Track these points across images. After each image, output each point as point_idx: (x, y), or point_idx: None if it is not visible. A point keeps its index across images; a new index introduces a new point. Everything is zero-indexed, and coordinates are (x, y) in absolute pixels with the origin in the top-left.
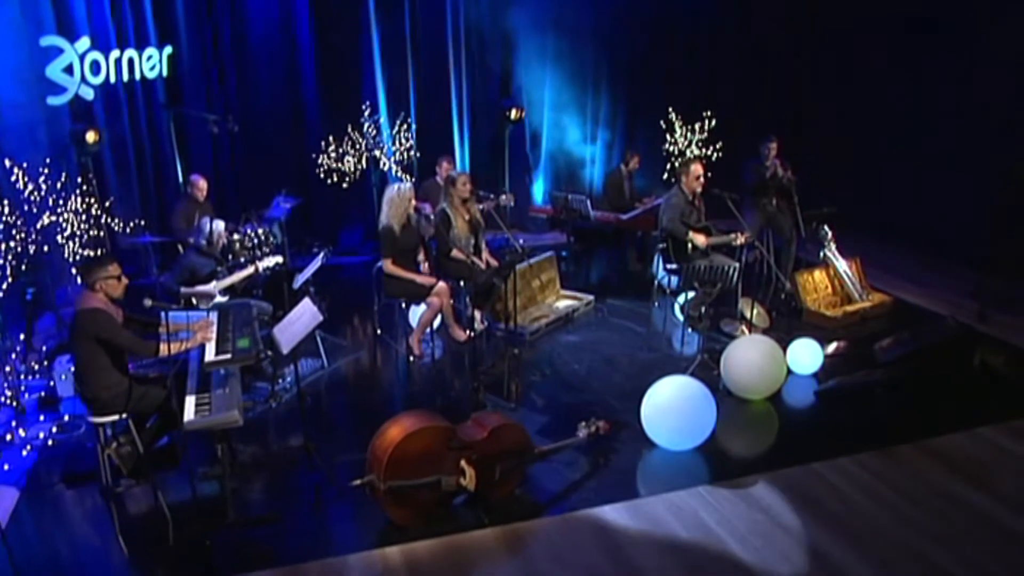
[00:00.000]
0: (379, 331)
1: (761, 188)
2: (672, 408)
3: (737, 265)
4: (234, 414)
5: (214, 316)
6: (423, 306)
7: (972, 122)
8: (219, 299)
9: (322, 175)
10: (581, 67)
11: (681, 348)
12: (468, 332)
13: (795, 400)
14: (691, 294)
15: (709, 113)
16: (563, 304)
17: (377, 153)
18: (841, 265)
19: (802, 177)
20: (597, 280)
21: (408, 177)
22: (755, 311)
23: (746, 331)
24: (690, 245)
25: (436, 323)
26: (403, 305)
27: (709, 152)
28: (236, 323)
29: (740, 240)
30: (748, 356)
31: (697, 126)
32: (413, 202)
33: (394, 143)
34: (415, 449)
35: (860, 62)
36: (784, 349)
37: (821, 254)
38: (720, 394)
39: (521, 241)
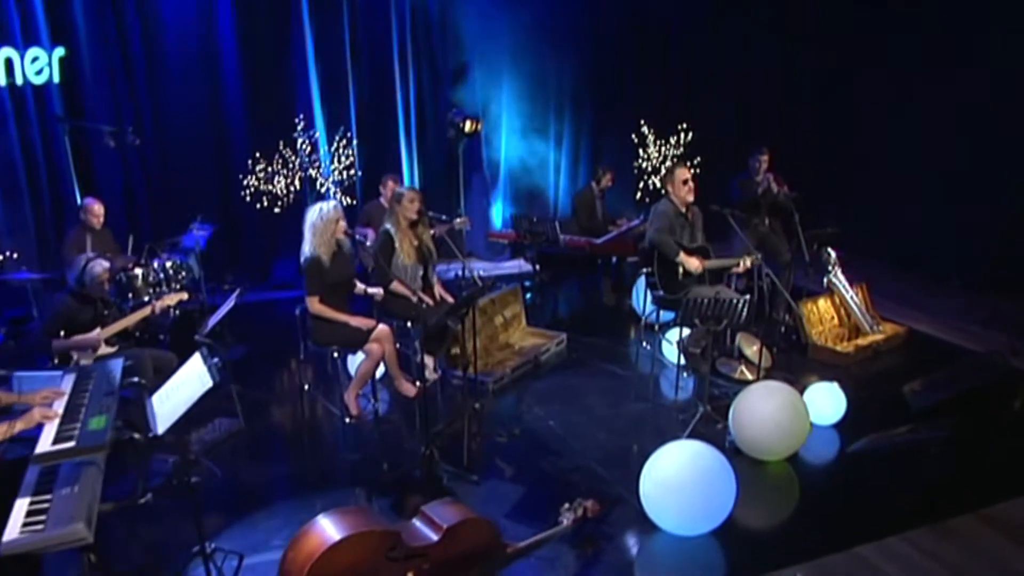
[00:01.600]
0: (306, 386)
1: (751, 206)
2: (682, 485)
3: (747, 298)
4: (78, 528)
5: (68, 381)
6: (361, 355)
7: (982, 133)
8: (105, 350)
9: (248, 198)
10: (543, 76)
11: (675, 395)
12: (418, 385)
13: (819, 459)
14: (686, 329)
15: (685, 125)
16: (532, 344)
17: (313, 172)
18: (848, 292)
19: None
20: (568, 314)
21: (349, 199)
22: (755, 348)
23: (746, 372)
24: (680, 269)
25: (380, 373)
26: (334, 355)
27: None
28: (95, 392)
29: (746, 264)
30: (764, 409)
31: (672, 139)
32: (342, 224)
33: (333, 161)
34: (343, 564)
35: (854, 66)
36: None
37: (825, 280)
38: (727, 452)
39: (480, 271)
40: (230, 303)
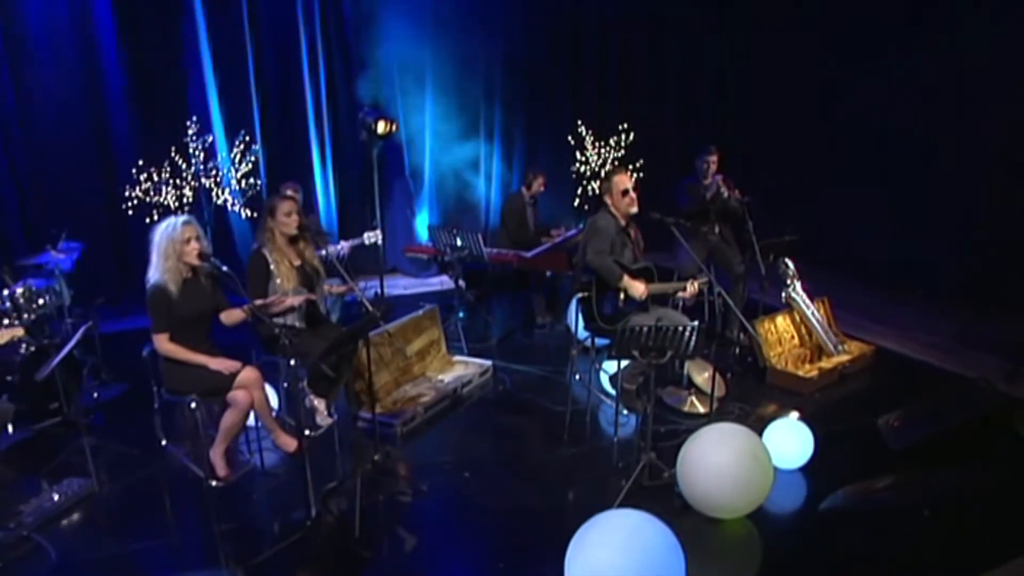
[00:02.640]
0: (164, 441)
1: (700, 212)
2: (615, 571)
3: (695, 325)
4: None
5: None
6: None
7: (947, 135)
8: None
9: (131, 211)
10: (471, 72)
11: (615, 434)
12: (305, 435)
13: (785, 516)
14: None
15: (626, 125)
16: (451, 376)
17: (207, 182)
18: (808, 308)
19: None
20: (497, 338)
21: (250, 212)
22: (706, 376)
23: (696, 404)
24: (623, 295)
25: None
26: (191, 406)
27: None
28: None
29: (693, 289)
30: (716, 460)
31: (613, 141)
32: (194, 246)
33: (233, 169)
34: None
35: (810, 62)
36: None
37: (783, 295)
38: (675, 506)
39: (375, 292)
40: (76, 338)
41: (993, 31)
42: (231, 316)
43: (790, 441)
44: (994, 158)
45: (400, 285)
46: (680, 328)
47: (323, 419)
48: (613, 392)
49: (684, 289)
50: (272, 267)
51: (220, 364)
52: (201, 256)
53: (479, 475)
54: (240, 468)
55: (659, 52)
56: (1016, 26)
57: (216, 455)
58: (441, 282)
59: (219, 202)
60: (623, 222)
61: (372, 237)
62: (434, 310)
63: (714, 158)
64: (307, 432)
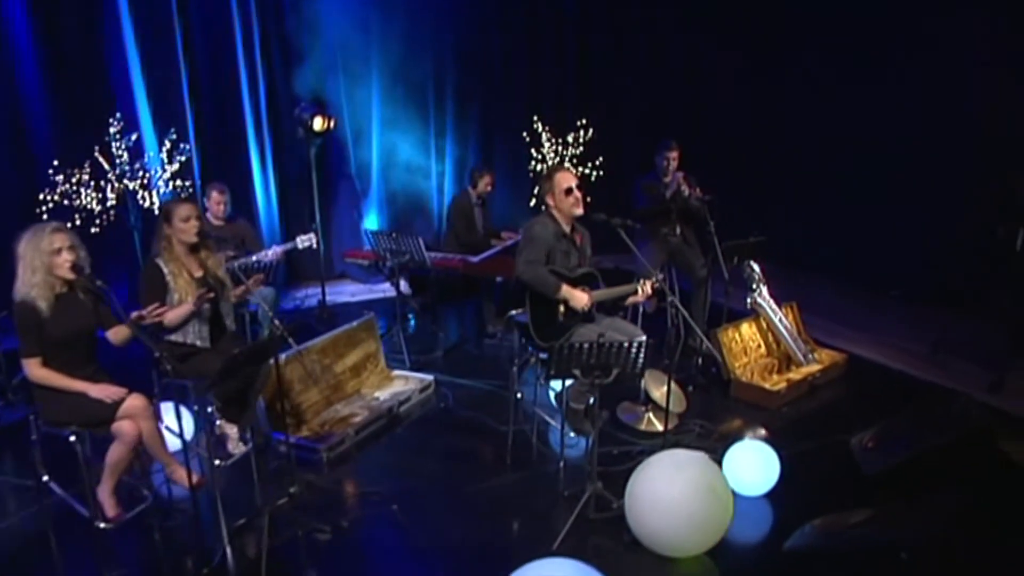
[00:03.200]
0: (45, 478)
1: (660, 213)
2: None
3: (642, 339)
4: None
5: None
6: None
7: (920, 131)
8: None
9: (46, 216)
10: (420, 68)
11: (561, 458)
12: (214, 465)
13: (746, 552)
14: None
15: (584, 121)
16: (388, 392)
17: (133, 184)
18: (776, 315)
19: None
20: (444, 350)
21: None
22: (665, 390)
23: (654, 421)
24: (562, 308)
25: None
26: (72, 439)
27: (588, 170)
28: None
29: (646, 291)
30: (668, 494)
31: (571, 137)
32: (66, 257)
33: (163, 170)
34: None
35: (778, 56)
36: (717, 458)
37: (748, 301)
38: (624, 542)
39: (317, 300)
40: None
41: (970, 31)
42: (118, 334)
43: (753, 465)
44: (976, 155)
45: (347, 292)
46: (626, 343)
47: (235, 446)
48: (561, 412)
49: (636, 293)
50: (168, 279)
51: (101, 391)
52: (75, 268)
53: (409, 507)
54: (136, 506)
55: (620, 45)
56: (986, 27)
57: (104, 493)
58: (386, 289)
59: (145, 204)
60: (566, 226)
61: (306, 241)
62: (371, 320)
63: (674, 154)
64: (217, 462)
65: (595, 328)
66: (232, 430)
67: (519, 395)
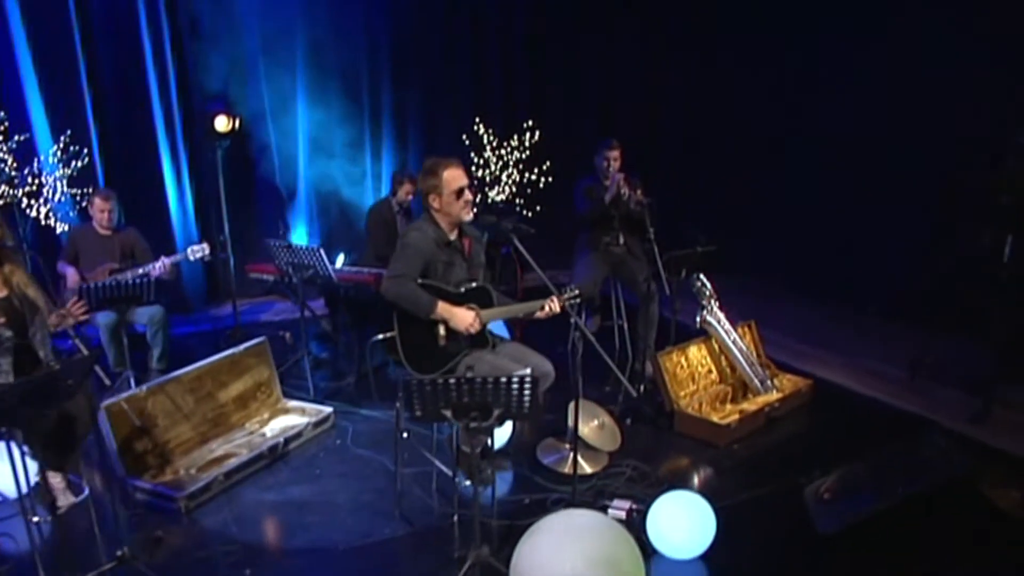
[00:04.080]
0: None
1: (601, 219)
2: None
3: (527, 374)
4: None
5: None
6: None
7: (899, 129)
8: None
9: None
10: (352, 59)
11: (454, 511)
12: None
13: None
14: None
15: (531, 123)
16: (281, 425)
17: (20, 192)
18: (728, 335)
19: (661, 202)
20: (355, 377)
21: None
22: (596, 424)
23: (582, 462)
24: (441, 331)
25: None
26: None
27: (535, 176)
28: None
29: (554, 308)
30: (555, 569)
31: (516, 140)
32: None
33: (57, 175)
34: None
35: (740, 48)
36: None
37: (697, 319)
38: None
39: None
40: None
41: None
42: None
43: (682, 522)
44: (958, 157)
45: (272, 310)
46: (504, 379)
47: (64, 497)
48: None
49: (543, 309)
50: None
51: None
52: None
53: (268, 570)
54: None
55: (576, 39)
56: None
57: None
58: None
59: (32, 213)
60: (450, 232)
61: (198, 252)
62: (262, 345)
63: (615, 153)
64: (35, 519)
65: (489, 357)
66: (57, 479)
67: (404, 434)
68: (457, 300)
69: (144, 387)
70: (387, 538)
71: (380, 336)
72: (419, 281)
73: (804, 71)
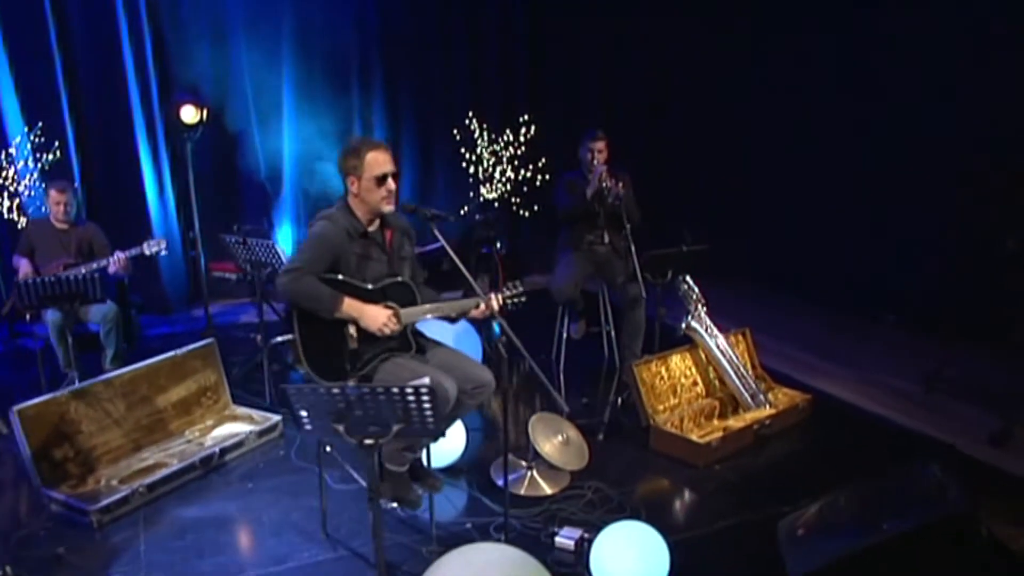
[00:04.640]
0: None
1: (583, 216)
2: None
3: (425, 385)
4: None
5: None
6: None
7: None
8: None
9: None
10: (342, 49)
11: (381, 537)
12: None
13: None
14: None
15: (527, 117)
16: (224, 432)
17: None
18: (713, 341)
19: (658, 202)
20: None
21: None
22: (559, 440)
23: (541, 483)
24: (353, 332)
25: None
26: None
27: (529, 173)
28: None
29: (491, 306)
30: None
31: (510, 135)
32: None
33: (29, 167)
34: None
35: (744, 37)
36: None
37: (682, 326)
38: None
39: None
40: None
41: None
42: None
43: (629, 558)
44: (979, 157)
45: (253, 312)
46: (397, 389)
47: None
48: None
49: (478, 307)
50: None
51: None
52: None
53: None
54: None
55: (578, 29)
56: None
57: None
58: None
59: (3, 210)
60: (366, 223)
61: (154, 246)
62: (209, 347)
63: (600, 145)
64: None
65: (406, 362)
66: None
67: (328, 448)
68: (370, 297)
69: (66, 390)
70: (304, 563)
71: (280, 338)
72: (325, 276)
73: (808, 70)
